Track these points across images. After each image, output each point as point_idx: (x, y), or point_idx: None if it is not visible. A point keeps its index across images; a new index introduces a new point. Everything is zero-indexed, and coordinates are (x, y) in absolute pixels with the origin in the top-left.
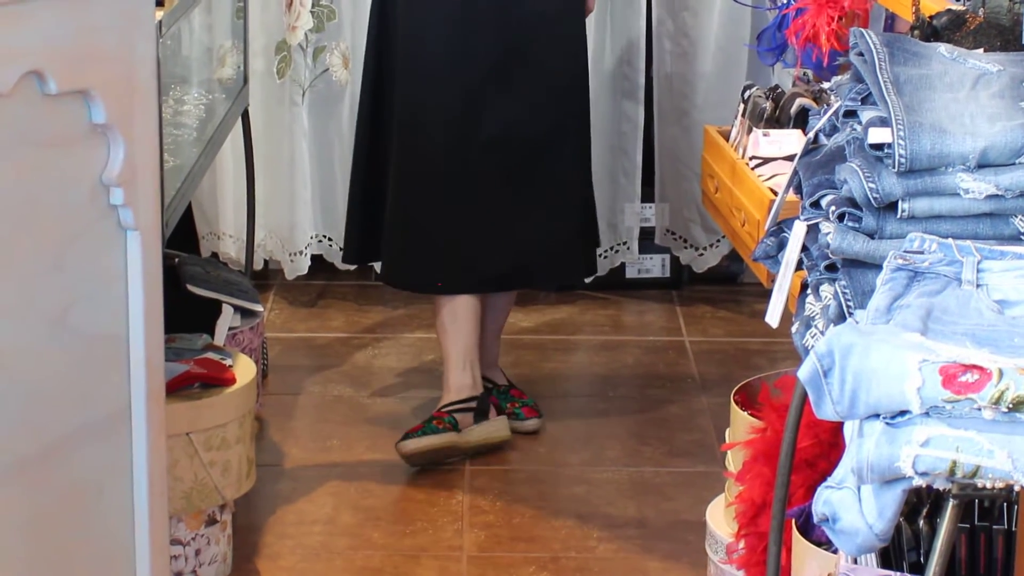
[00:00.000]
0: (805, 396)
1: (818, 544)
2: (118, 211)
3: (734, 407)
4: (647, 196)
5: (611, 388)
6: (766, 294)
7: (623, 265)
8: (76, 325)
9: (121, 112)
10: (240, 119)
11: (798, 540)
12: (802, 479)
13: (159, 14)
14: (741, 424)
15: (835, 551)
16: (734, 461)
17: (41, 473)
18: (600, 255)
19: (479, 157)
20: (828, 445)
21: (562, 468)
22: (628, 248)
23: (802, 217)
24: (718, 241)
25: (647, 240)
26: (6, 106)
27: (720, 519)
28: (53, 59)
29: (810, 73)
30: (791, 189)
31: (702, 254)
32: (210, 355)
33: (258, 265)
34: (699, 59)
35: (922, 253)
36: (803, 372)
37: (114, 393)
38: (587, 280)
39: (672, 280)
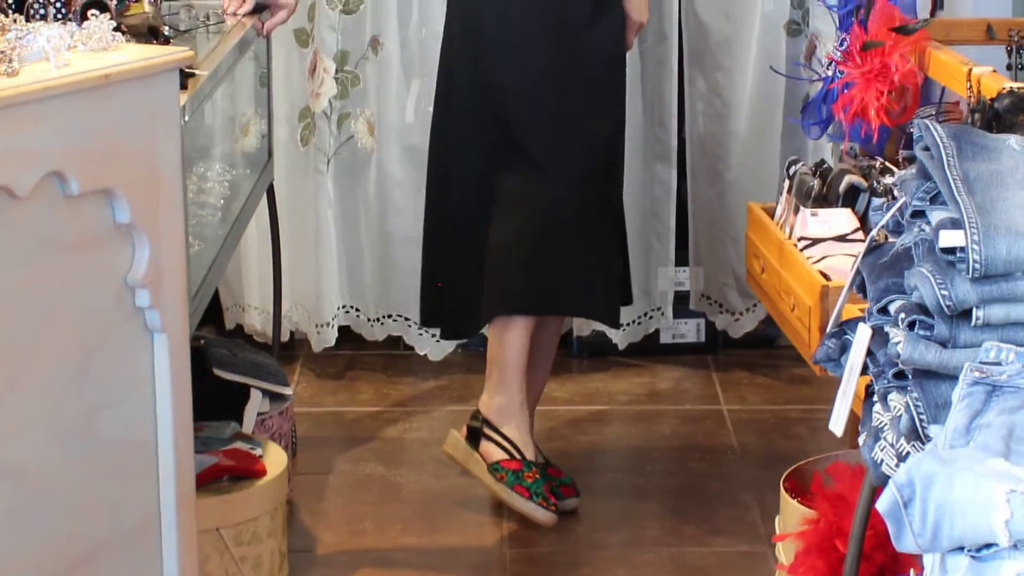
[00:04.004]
0: (869, 504)
1: None
2: (144, 313)
3: (784, 496)
4: (681, 260)
5: (648, 462)
6: (803, 358)
7: (657, 331)
8: (102, 432)
9: (146, 211)
10: (265, 193)
11: None
12: (860, 572)
13: (183, 97)
14: (792, 513)
15: None
16: (785, 552)
17: None
18: (634, 321)
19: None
20: (885, 536)
21: (602, 550)
22: (662, 314)
23: (868, 322)
24: (754, 305)
25: (681, 305)
26: (26, 209)
27: None
28: (74, 159)
29: (857, 147)
30: (852, 288)
31: (738, 319)
32: (239, 445)
33: (284, 337)
34: (732, 120)
35: (1000, 364)
36: (882, 503)
37: (143, 500)
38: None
39: (707, 345)
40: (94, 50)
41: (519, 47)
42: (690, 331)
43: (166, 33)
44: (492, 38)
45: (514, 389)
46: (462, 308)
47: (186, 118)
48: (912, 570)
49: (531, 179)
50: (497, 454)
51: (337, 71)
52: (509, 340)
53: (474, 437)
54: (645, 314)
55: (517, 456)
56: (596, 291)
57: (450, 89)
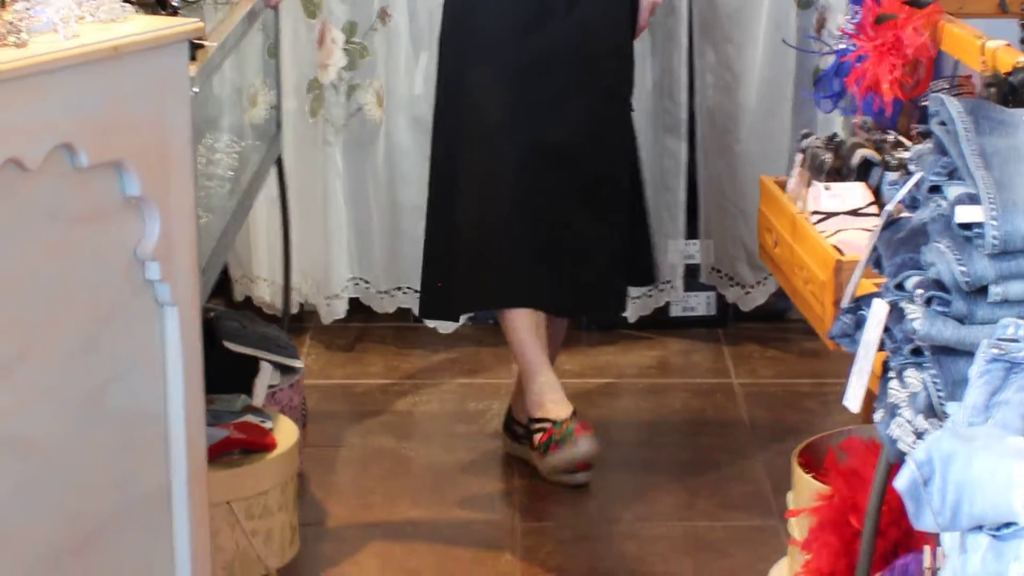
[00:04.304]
0: (885, 481)
1: None
2: (154, 286)
3: (798, 470)
4: (691, 232)
5: (659, 436)
6: (815, 332)
7: (667, 304)
8: (113, 406)
9: (155, 183)
10: (275, 165)
11: None
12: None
13: (192, 68)
14: (805, 488)
15: None
16: (798, 527)
17: (81, 562)
18: (644, 294)
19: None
20: (899, 512)
21: (613, 524)
22: (672, 287)
23: (884, 297)
24: (765, 278)
25: (692, 278)
26: (35, 181)
27: None
28: (83, 131)
29: (870, 121)
30: (869, 263)
31: (749, 292)
32: (249, 418)
33: (293, 309)
34: (742, 92)
35: (1018, 341)
36: (901, 481)
37: (154, 474)
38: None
39: (718, 318)
40: (103, 21)
41: (497, 40)
42: (700, 304)
43: (175, 4)
44: (475, 29)
45: (535, 367)
46: (439, 291)
47: (195, 90)
48: (927, 547)
49: (494, 170)
50: (538, 437)
51: (346, 42)
52: (509, 322)
53: (513, 434)
54: (655, 286)
55: (548, 426)
56: (567, 284)
57: (441, 81)
